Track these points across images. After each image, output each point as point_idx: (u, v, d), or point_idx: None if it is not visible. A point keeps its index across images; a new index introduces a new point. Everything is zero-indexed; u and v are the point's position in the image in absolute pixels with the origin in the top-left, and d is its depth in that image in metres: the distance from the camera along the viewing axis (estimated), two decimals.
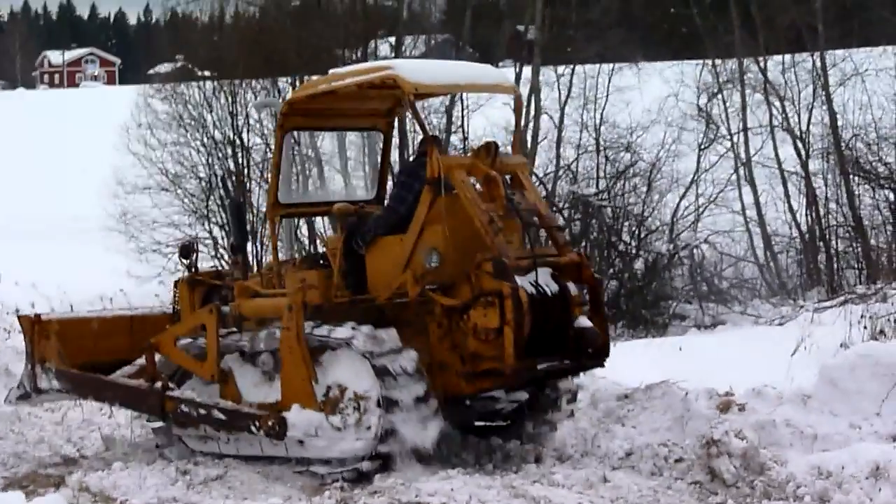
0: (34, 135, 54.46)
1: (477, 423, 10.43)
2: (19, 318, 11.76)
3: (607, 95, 26.47)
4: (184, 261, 11.85)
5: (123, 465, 10.47)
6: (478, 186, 9.69)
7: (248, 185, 26.42)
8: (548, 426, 10.22)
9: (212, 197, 26.39)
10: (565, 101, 26.19)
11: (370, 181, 11.96)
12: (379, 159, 11.78)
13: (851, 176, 26.17)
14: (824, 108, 26.61)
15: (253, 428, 9.67)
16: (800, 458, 9.02)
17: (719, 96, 27.21)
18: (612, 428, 9.88)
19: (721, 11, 27.74)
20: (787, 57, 27.57)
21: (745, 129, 27.72)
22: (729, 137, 27.70)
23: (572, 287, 9.78)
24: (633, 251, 25.04)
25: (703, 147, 27.02)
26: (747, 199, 27.61)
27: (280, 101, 14.37)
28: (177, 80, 29.37)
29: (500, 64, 28.91)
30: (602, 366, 10.02)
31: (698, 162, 26.99)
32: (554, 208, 24.66)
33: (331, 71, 10.59)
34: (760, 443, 9.42)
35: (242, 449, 9.99)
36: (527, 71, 26.02)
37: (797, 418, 10.02)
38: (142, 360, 10.86)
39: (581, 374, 10.40)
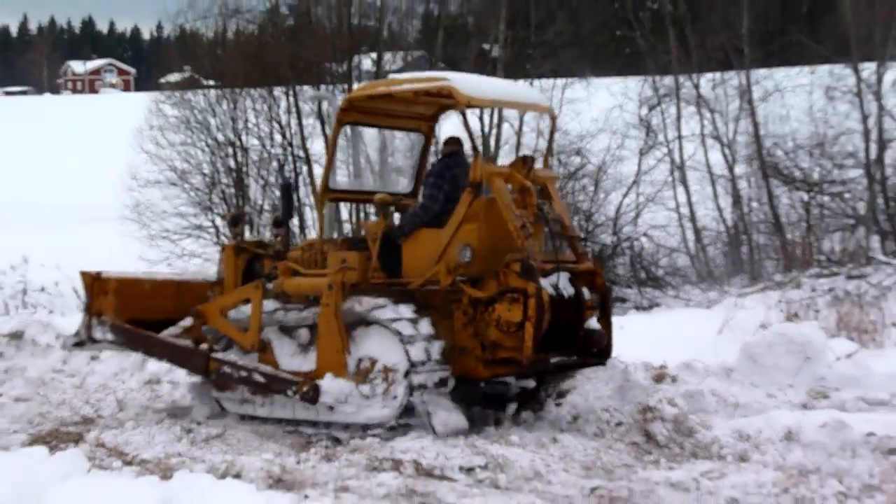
0: (58, 134, 54.13)
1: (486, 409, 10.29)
2: (81, 273, 11.47)
3: (561, 106, 26.46)
4: (233, 229, 11.89)
5: (135, 424, 10.48)
6: (510, 195, 9.63)
7: (245, 180, 26.31)
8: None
9: (214, 191, 26.33)
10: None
11: (409, 177, 11.91)
12: (418, 159, 11.73)
13: (771, 179, 26.26)
14: (748, 119, 26.69)
15: (289, 392, 9.63)
16: (723, 423, 9.08)
17: (658, 108, 27.26)
18: (561, 396, 9.92)
19: (660, 34, 27.78)
20: (717, 74, 27.64)
21: (680, 137, 27.81)
22: (666, 144, 27.78)
23: (586, 292, 9.88)
24: (583, 242, 25.07)
25: (643, 152, 27.08)
26: (681, 198, 27.72)
27: (332, 95, 14.29)
28: (184, 88, 29.28)
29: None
30: (604, 364, 10.01)
31: (639, 165, 27.05)
32: None
33: (390, 76, 10.79)
34: (689, 409, 9.49)
35: (276, 412, 10.05)
36: None
37: (721, 388, 10.12)
38: (185, 323, 10.90)
39: (585, 369, 10.17)
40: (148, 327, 11.00)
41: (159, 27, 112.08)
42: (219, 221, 26.25)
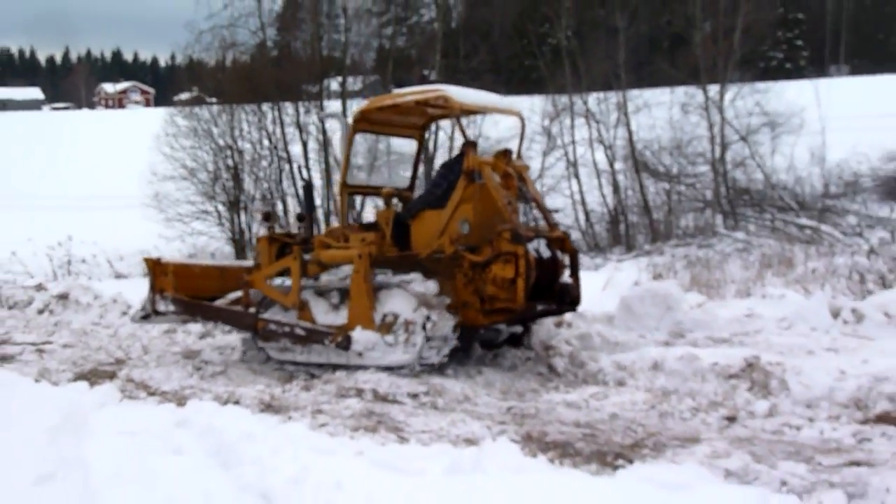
0: (95, 140, 53.34)
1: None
2: (145, 259, 11.35)
3: (483, 118, 26.47)
4: (266, 223, 11.63)
5: (157, 364, 10.41)
6: (497, 179, 9.55)
7: (241, 175, 26.15)
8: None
9: (216, 184, 26.16)
10: (453, 132, 26.18)
11: (407, 175, 11.71)
12: (413, 160, 11.65)
13: (641, 173, 26.47)
14: (625, 128, 26.86)
15: (326, 341, 9.60)
16: (606, 357, 9.13)
17: (556, 119, 27.31)
18: None
19: (557, 63, 27.82)
20: (601, 94, 27.76)
21: (573, 142, 27.91)
22: (563, 147, 27.85)
23: (559, 254, 9.80)
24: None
25: (545, 153, 27.16)
26: (574, 188, 27.84)
27: (340, 115, 14.16)
28: (192, 105, 29.00)
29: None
30: (575, 311, 10.07)
31: (542, 163, 27.09)
32: None
33: (394, 90, 10.70)
34: (581, 347, 9.55)
35: (312, 358, 9.85)
36: None
37: (605, 331, 10.17)
38: (231, 296, 10.82)
39: (562, 315, 10.27)
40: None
41: (173, 57, 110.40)
42: (220, 207, 26.08)
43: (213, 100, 28.71)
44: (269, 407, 8.15)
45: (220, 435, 6.00)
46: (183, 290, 10.91)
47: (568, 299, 9.80)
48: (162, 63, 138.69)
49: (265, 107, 26.32)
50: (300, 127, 25.97)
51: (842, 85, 34.27)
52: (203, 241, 25.51)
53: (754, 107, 25.41)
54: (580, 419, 7.62)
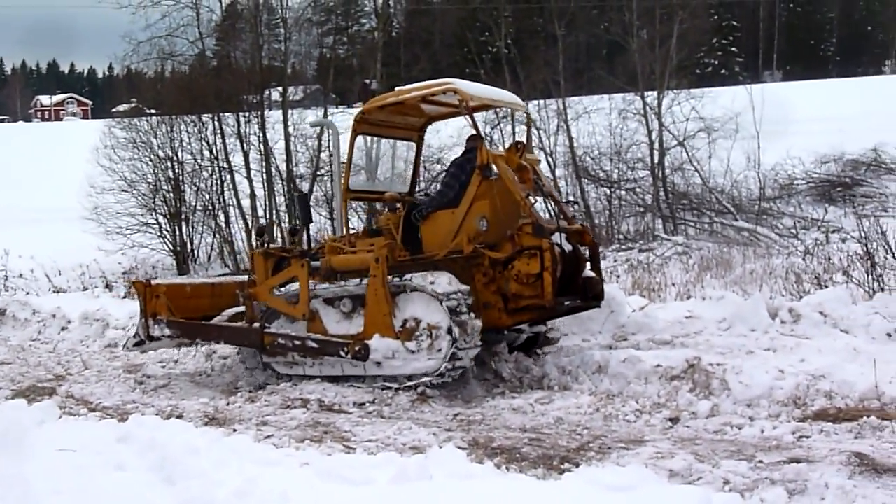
0: (31, 153, 52.40)
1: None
2: (134, 283, 10.86)
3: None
4: (259, 238, 11.22)
5: (98, 379, 10.23)
6: (512, 173, 9.13)
7: (181, 187, 25.87)
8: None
9: (157, 195, 25.85)
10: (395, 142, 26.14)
11: (406, 178, 11.28)
12: (413, 162, 11.25)
13: (582, 178, 26.66)
14: (565, 134, 27.05)
15: (342, 353, 9.07)
16: (551, 362, 9.18)
17: (498, 126, 27.39)
18: None
19: (498, 71, 27.92)
20: (541, 101, 27.92)
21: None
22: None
23: (580, 248, 9.47)
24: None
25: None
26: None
27: (330, 122, 13.48)
28: (131, 116, 28.65)
29: (354, 105, 28.78)
30: (599, 306, 9.71)
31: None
32: None
33: (396, 88, 9.98)
34: (526, 352, 9.58)
35: (325, 370, 9.31)
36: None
37: (549, 336, 10.20)
38: (228, 313, 10.36)
39: (587, 311, 9.84)
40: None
41: (110, 67, 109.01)
42: (161, 220, 25.76)
43: (153, 111, 28.38)
44: (213, 420, 8.06)
45: (164, 449, 5.91)
46: (177, 312, 10.41)
47: (591, 294, 9.47)
48: (100, 74, 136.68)
49: (206, 117, 26.05)
50: (241, 137, 25.75)
51: (775, 90, 34.87)
52: (144, 252, 25.14)
53: (691, 112, 25.74)
54: (526, 424, 7.65)
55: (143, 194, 25.95)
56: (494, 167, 9.04)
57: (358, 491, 5.17)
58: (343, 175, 10.22)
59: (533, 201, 9.11)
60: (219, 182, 26.02)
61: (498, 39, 29.10)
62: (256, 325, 9.76)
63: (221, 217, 25.86)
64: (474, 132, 9.42)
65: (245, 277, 10.65)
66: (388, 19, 29.01)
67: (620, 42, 28.26)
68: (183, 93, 27.00)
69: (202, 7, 26.62)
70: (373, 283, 8.94)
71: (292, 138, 25.45)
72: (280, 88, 26.91)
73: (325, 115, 25.46)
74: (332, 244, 9.84)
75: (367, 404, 8.56)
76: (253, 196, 25.27)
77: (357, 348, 8.94)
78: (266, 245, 10.63)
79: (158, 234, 25.76)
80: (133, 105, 33.53)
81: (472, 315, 8.70)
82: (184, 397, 9.13)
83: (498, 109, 27.74)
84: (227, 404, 8.69)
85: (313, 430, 7.64)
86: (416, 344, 8.78)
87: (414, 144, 11.14)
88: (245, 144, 25.68)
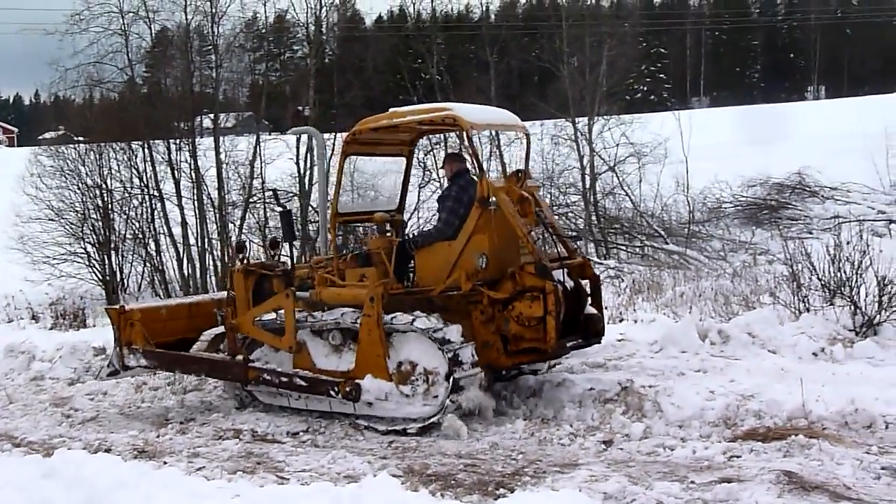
0: None
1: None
2: (106, 309, 10.25)
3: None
4: (239, 255, 10.34)
5: (23, 413, 9.94)
6: (512, 205, 8.61)
7: (111, 216, 25.43)
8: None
9: (85, 224, 25.37)
10: (331, 156, 26.03)
11: (390, 196, 10.77)
12: (402, 179, 10.62)
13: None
14: (498, 160, 27.23)
15: (332, 392, 8.56)
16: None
17: (431, 153, 27.47)
18: None
19: (430, 98, 28.05)
20: None
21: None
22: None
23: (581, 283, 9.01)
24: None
25: (421, 186, 27.24)
26: None
27: (315, 130, 13.03)
28: (59, 143, 28.14)
29: (287, 133, 28.69)
30: (600, 342, 9.28)
31: (419, 195, 27.20)
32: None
33: (391, 109, 9.35)
34: None
35: (311, 405, 8.87)
36: (304, 137, 25.78)
37: None
38: (208, 334, 9.78)
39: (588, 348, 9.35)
40: (166, 348, 9.87)
41: (37, 94, 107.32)
42: (90, 249, 25.27)
43: (81, 138, 27.92)
44: (142, 453, 7.90)
45: (91, 485, 5.77)
46: (153, 337, 9.85)
47: (593, 331, 9.03)
48: (26, 101, 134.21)
49: (135, 145, 25.69)
50: (172, 165, 25.44)
51: (703, 116, 35.63)
52: (72, 283, 24.61)
53: (621, 138, 26.15)
54: (461, 450, 7.63)
55: (71, 223, 25.43)
56: (497, 199, 8.56)
57: None
58: (332, 197, 9.60)
59: (535, 237, 8.76)
60: (149, 210, 25.64)
61: (430, 66, 29.30)
62: (240, 357, 9.25)
63: (152, 245, 25.47)
64: (476, 154, 9.18)
65: (223, 295, 10.14)
66: (321, 46, 28.97)
67: (552, 69, 28.64)
68: (112, 120, 26.64)
69: (131, 33, 26.34)
70: (366, 323, 8.46)
71: (224, 165, 25.22)
72: (212, 115, 26.67)
73: (258, 142, 25.27)
74: (321, 275, 9.27)
75: (301, 433, 8.48)
76: (184, 224, 24.94)
77: (348, 388, 8.46)
78: (245, 261, 10.07)
79: (87, 263, 25.25)
80: (61, 132, 32.96)
81: (473, 363, 8.29)
82: (113, 430, 8.92)
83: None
84: (158, 436, 8.53)
85: (246, 460, 7.53)
86: (412, 388, 8.32)
87: (403, 160, 10.62)
88: (176, 172, 25.37)
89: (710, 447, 7.15)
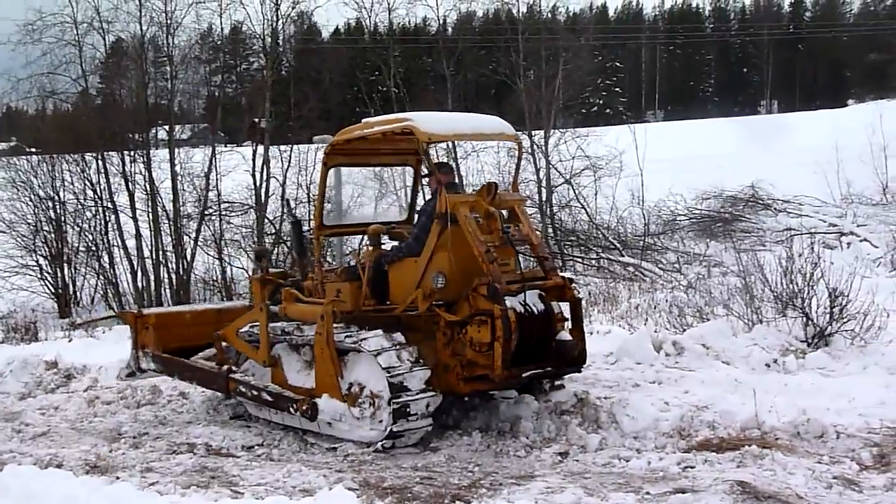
0: None
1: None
2: (122, 314, 10.45)
3: (314, 165, 26.39)
4: (258, 263, 10.40)
5: None
6: (475, 222, 8.15)
7: (63, 228, 25.12)
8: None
9: (37, 237, 25.05)
10: (287, 168, 25.98)
11: (402, 206, 10.16)
12: (410, 189, 10.25)
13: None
14: (454, 173, 27.29)
15: (291, 409, 8.47)
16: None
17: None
18: None
19: (388, 110, 28.05)
20: None
21: (406, 186, 28.12)
22: (395, 192, 28.02)
23: (556, 305, 8.46)
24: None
25: (378, 199, 27.23)
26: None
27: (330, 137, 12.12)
28: (10, 155, 27.78)
29: (244, 144, 28.58)
30: (579, 371, 8.70)
31: (376, 208, 27.20)
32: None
33: (364, 120, 9.04)
34: None
35: (286, 420, 8.70)
36: (260, 149, 25.69)
37: None
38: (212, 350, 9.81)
39: (561, 378, 8.80)
40: (194, 351, 10.01)
41: None
42: (42, 261, 24.95)
43: (33, 150, 27.57)
44: (94, 468, 7.78)
45: (40, 501, 5.67)
46: (172, 342, 10.03)
47: (567, 358, 8.36)
48: None
49: (89, 156, 25.40)
50: (126, 177, 25.18)
51: (657, 129, 35.99)
52: (23, 296, 24.24)
53: (577, 151, 26.33)
54: (417, 463, 7.61)
55: (23, 235, 25.14)
56: (456, 215, 8.07)
57: None
58: (315, 209, 9.56)
59: (493, 256, 8.01)
60: (103, 222, 25.35)
61: (387, 79, 29.30)
62: (225, 368, 9.35)
63: (105, 258, 25.17)
64: (432, 167, 8.67)
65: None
66: (277, 58, 28.89)
67: (508, 82, 28.77)
68: (65, 131, 26.34)
69: (85, 44, 26.02)
70: (318, 342, 8.30)
71: (179, 177, 25.00)
72: (167, 127, 26.46)
73: (213, 154, 25.10)
74: (288, 291, 9.16)
75: (256, 447, 8.42)
76: (139, 236, 24.69)
77: (305, 407, 8.34)
78: (265, 270, 9.91)
79: (39, 276, 24.95)
80: (13, 144, 32.53)
81: (423, 387, 7.95)
82: (64, 445, 8.78)
83: None
84: (110, 451, 8.40)
85: (200, 475, 7.45)
86: (360, 410, 8.11)
87: (412, 169, 10.18)
88: (130, 184, 25.12)
89: (664, 458, 7.20)
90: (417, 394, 7.87)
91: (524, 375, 8.11)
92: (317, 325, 8.29)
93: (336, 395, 8.20)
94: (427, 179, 9.06)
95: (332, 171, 10.26)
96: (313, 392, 8.39)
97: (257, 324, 9.11)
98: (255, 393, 8.92)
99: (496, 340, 7.68)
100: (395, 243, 9.04)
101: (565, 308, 8.63)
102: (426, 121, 8.42)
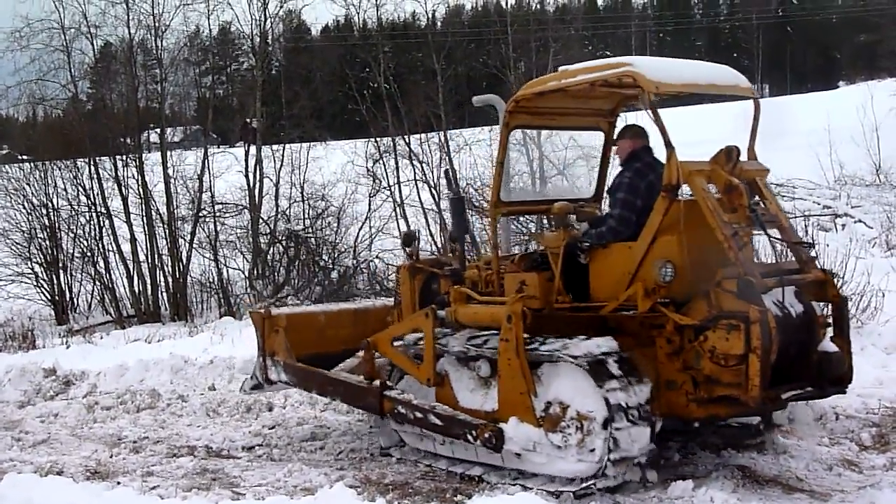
0: None
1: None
2: (251, 313, 8.93)
3: (307, 163, 26.39)
4: (406, 248, 8.80)
5: None
6: (717, 195, 6.45)
7: (58, 235, 25.08)
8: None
9: (32, 244, 25.01)
10: (280, 168, 25.97)
11: (590, 179, 8.62)
12: (600, 158, 8.34)
13: (468, 210, 26.92)
14: (448, 166, 27.29)
15: (469, 437, 6.73)
16: None
17: (380, 162, 27.45)
18: None
19: (378, 106, 28.03)
20: (423, 134, 28.14)
21: (399, 182, 28.09)
22: (388, 188, 28.00)
23: (816, 306, 6.61)
24: (330, 266, 24.95)
25: (371, 195, 27.18)
26: (403, 227, 28.02)
27: (498, 98, 11.07)
28: (2, 163, 27.74)
29: (236, 145, 28.54)
30: (844, 392, 6.63)
31: (369, 205, 27.18)
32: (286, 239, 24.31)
33: (561, 68, 7.27)
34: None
35: (457, 452, 7.12)
36: (253, 149, 25.67)
37: None
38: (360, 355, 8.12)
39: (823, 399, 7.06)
40: (330, 360, 8.40)
41: None
42: (37, 269, 24.89)
43: (25, 157, 27.51)
44: (95, 474, 7.78)
45: None
46: (304, 347, 8.50)
47: (831, 377, 6.37)
48: None
49: (81, 162, 25.35)
50: (119, 181, 25.12)
51: (648, 117, 35.94)
52: (20, 304, 24.21)
53: (569, 141, 26.32)
54: (418, 458, 7.61)
55: (17, 243, 25.08)
56: (691, 186, 6.39)
57: None
58: (493, 181, 7.71)
59: (743, 242, 6.29)
60: (97, 228, 25.31)
61: (378, 75, 29.25)
62: (377, 382, 7.65)
63: (101, 263, 25.13)
64: (664, 128, 6.64)
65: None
66: (267, 57, 28.84)
67: (499, 74, 28.75)
68: (56, 137, 26.26)
69: (74, 49, 25.94)
70: (504, 351, 6.59)
71: (172, 180, 24.96)
72: (158, 130, 26.40)
73: (206, 156, 25.04)
74: (457, 290, 7.48)
75: (257, 447, 8.42)
76: (133, 241, 24.64)
77: (487, 435, 6.60)
78: (415, 257, 8.51)
79: (35, 283, 24.91)
80: (4, 152, 32.48)
81: (644, 409, 6.16)
82: (65, 452, 8.78)
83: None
84: (111, 456, 8.40)
85: (201, 477, 7.45)
86: (563, 437, 6.35)
87: (602, 134, 8.33)
88: (123, 188, 25.06)
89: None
90: (640, 414, 6.15)
91: (784, 398, 6.34)
92: (502, 329, 6.61)
93: (528, 417, 6.49)
94: (616, 147, 7.57)
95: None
96: (496, 415, 6.72)
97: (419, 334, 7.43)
98: (420, 415, 7.14)
99: (752, 352, 5.85)
100: (585, 225, 7.34)
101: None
102: (652, 67, 6.69)
